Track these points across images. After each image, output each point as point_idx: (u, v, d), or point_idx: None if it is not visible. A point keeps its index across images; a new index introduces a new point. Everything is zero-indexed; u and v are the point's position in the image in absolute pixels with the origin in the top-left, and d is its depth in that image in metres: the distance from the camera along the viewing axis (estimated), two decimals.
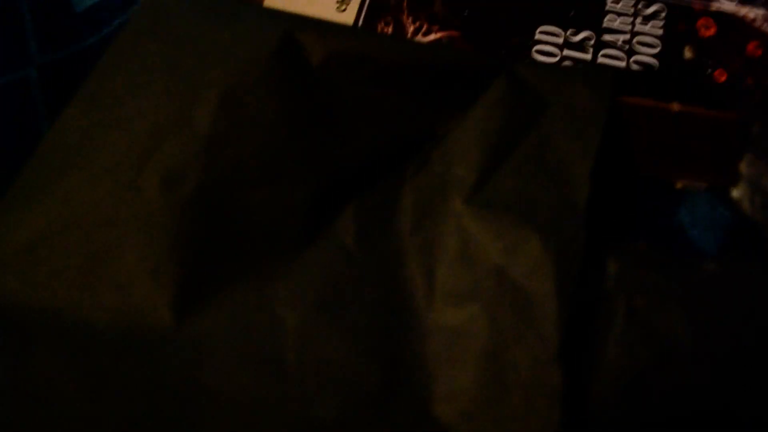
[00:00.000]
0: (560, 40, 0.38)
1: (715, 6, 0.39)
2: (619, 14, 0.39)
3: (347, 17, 0.40)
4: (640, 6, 0.39)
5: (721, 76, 0.37)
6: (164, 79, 0.34)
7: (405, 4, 0.40)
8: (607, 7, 0.39)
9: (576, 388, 0.28)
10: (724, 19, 0.38)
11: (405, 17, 0.40)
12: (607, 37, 0.38)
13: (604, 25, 0.39)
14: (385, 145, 0.34)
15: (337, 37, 0.35)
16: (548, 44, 0.38)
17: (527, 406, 0.28)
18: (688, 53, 0.38)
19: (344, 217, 0.33)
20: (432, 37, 0.39)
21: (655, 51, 0.38)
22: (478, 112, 0.33)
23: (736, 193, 0.35)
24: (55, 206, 0.32)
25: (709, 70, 0.37)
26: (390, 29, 0.39)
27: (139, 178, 0.32)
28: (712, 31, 0.38)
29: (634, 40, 0.38)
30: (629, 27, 0.38)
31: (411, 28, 0.39)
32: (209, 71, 0.34)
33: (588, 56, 0.38)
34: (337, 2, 0.41)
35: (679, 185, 0.36)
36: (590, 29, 0.38)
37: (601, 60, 0.38)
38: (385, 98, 0.34)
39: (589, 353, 0.29)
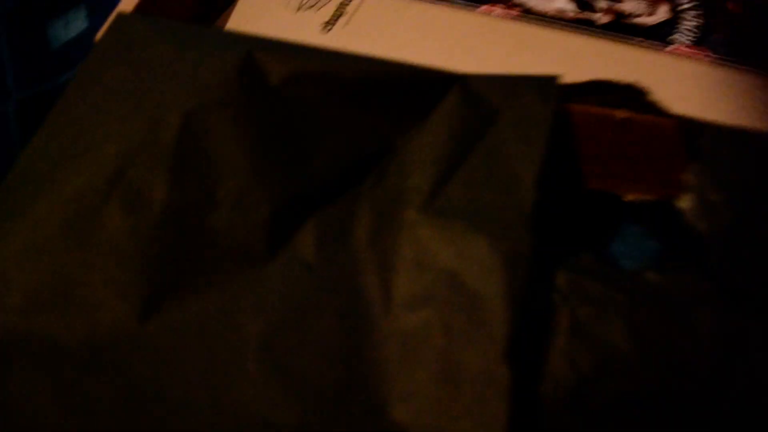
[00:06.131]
0: None
1: None
2: None
3: (331, 38, 0.42)
4: None
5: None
6: (129, 103, 0.35)
7: None
8: None
9: (525, 387, 0.29)
10: None
11: None
12: None
13: None
14: (344, 160, 0.35)
15: (295, 56, 0.36)
16: None
17: (478, 402, 0.29)
18: None
19: (304, 231, 0.34)
20: None
21: None
22: (433, 124, 0.35)
23: (682, 203, 0.35)
24: (25, 231, 0.33)
25: None
26: None
27: (105, 203, 0.33)
28: None
29: None
30: None
31: None
32: (172, 94, 0.35)
33: None
34: (323, 24, 0.43)
35: (629, 198, 0.37)
36: None
37: None
38: (343, 114, 0.36)
39: (536, 360, 0.31)
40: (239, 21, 0.46)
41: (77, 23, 0.51)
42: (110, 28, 0.38)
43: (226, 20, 0.46)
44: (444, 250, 0.31)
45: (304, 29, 0.44)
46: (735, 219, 0.35)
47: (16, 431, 0.30)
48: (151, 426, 0.29)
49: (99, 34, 0.40)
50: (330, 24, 0.44)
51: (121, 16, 0.39)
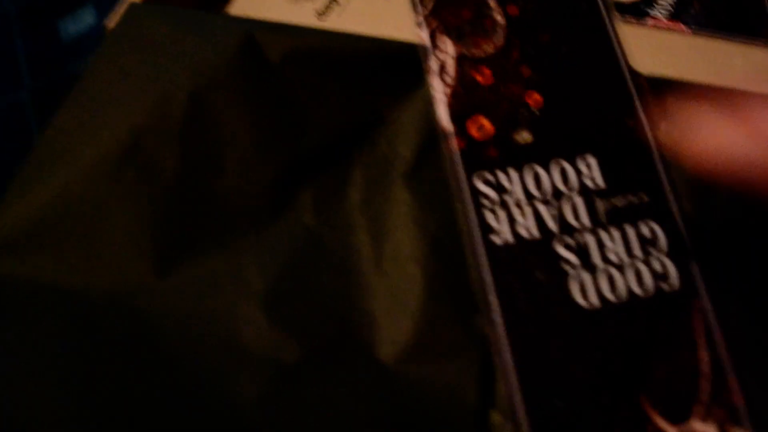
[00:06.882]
0: None
1: None
2: None
3: (326, 27, 0.44)
4: None
5: None
6: (140, 83, 0.38)
7: None
8: None
9: None
10: None
11: None
12: None
13: None
14: (338, 130, 0.38)
15: (293, 35, 0.39)
16: None
17: (453, 351, 0.32)
18: None
19: (303, 195, 0.37)
20: None
21: None
22: (419, 98, 0.38)
23: None
24: (52, 197, 0.36)
25: None
26: None
27: (123, 172, 0.36)
28: None
29: None
30: None
31: None
32: (180, 73, 0.38)
33: None
34: (318, 13, 0.46)
35: None
36: None
37: None
38: (338, 87, 0.39)
39: None
40: (239, 11, 0.48)
41: (86, 19, 0.54)
42: (123, 16, 0.41)
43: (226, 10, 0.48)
44: (428, 216, 0.35)
45: (300, 18, 0.46)
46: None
47: (41, 374, 0.33)
48: (165, 360, 0.32)
49: (110, 22, 0.43)
50: (325, 13, 0.46)
51: (133, 5, 0.42)
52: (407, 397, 0.32)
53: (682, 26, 0.42)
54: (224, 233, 0.36)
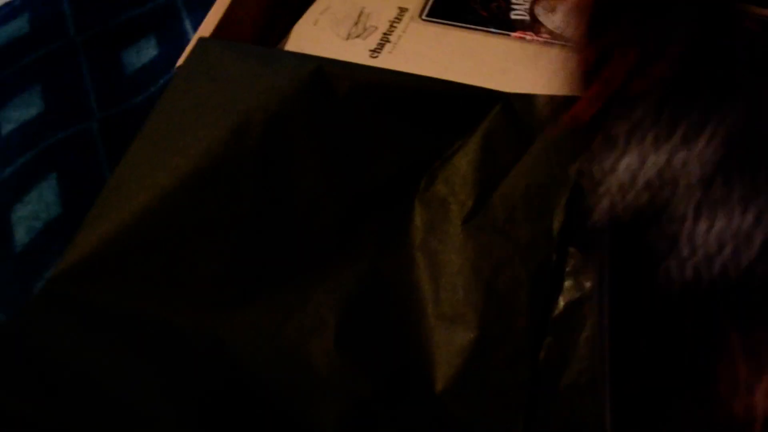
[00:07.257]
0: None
1: None
2: None
3: (378, 63, 0.46)
4: None
5: None
6: (215, 112, 0.39)
7: None
8: None
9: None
10: None
11: None
12: None
13: None
14: (399, 166, 0.40)
15: (359, 71, 0.41)
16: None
17: (501, 391, 0.35)
18: None
19: (367, 233, 0.39)
20: None
21: None
22: (478, 140, 0.39)
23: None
24: (133, 224, 0.37)
25: None
26: None
27: (201, 198, 0.37)
28: None
29: None
30: None
31: None
32: (254, 102, 0.39)
33: None
34: (370, 51, 0.47)
35: None
36: None
37: None
38: (400, 124, 0.40)
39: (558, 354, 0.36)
40: (293, 48, 0.50)
41: (148, 51, 0.56)
42: (193, 50, 0.43)
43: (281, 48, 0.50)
44: (482, 261, 0.37)
45: (353, 56, 0.47)
46: None
47: (129, 389, 0.34)
48: (245, 386, 0.34)
49: (180, 60, 0.45)
50: (377, 51, 0.48)
51: (202, 40, 0.43)
52: None
53: None
54: (295, 266, 0.37)
